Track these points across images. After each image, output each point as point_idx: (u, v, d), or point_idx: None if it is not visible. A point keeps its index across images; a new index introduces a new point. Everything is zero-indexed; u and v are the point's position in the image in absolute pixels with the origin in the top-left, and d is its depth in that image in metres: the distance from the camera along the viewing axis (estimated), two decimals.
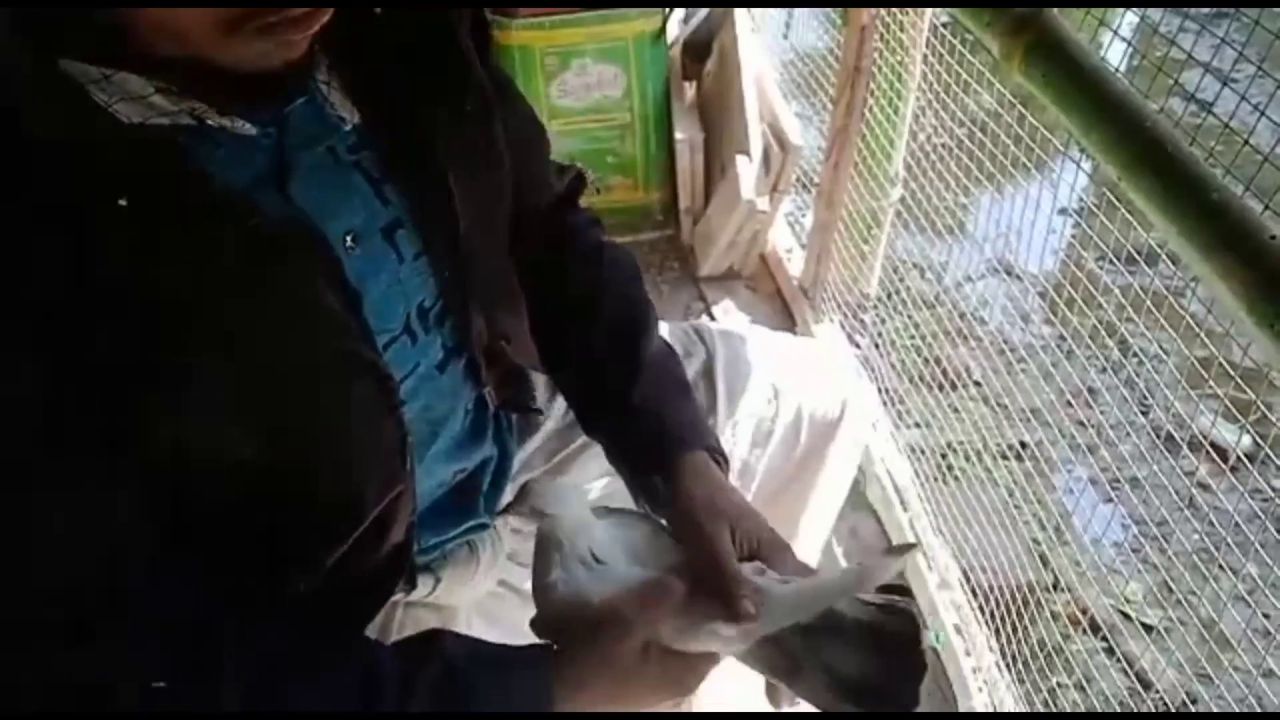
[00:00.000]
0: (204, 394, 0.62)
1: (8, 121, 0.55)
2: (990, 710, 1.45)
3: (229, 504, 0.67)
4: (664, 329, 1.08)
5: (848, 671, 0.75)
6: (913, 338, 2.10)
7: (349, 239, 0.71)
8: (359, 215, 0.72)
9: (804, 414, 1.09)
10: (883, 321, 2.11)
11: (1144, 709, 1.39)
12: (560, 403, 1.03)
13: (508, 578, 1.02)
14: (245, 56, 0.60)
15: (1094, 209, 1.31)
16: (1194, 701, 1.41)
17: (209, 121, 0.62)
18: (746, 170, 2.19)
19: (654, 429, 0.88)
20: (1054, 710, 1.43)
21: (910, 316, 2.15)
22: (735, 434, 1.06)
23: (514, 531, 1.00)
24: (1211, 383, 1.20)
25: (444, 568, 0.93)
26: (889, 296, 2.07)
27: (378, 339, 0.73)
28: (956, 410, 1.99)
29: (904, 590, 0.77)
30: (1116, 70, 0.86)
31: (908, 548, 0.81)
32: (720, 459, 0.90)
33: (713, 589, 0.78)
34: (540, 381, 1.01)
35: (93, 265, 0.57)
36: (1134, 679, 1.53)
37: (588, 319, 0.94)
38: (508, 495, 0.97)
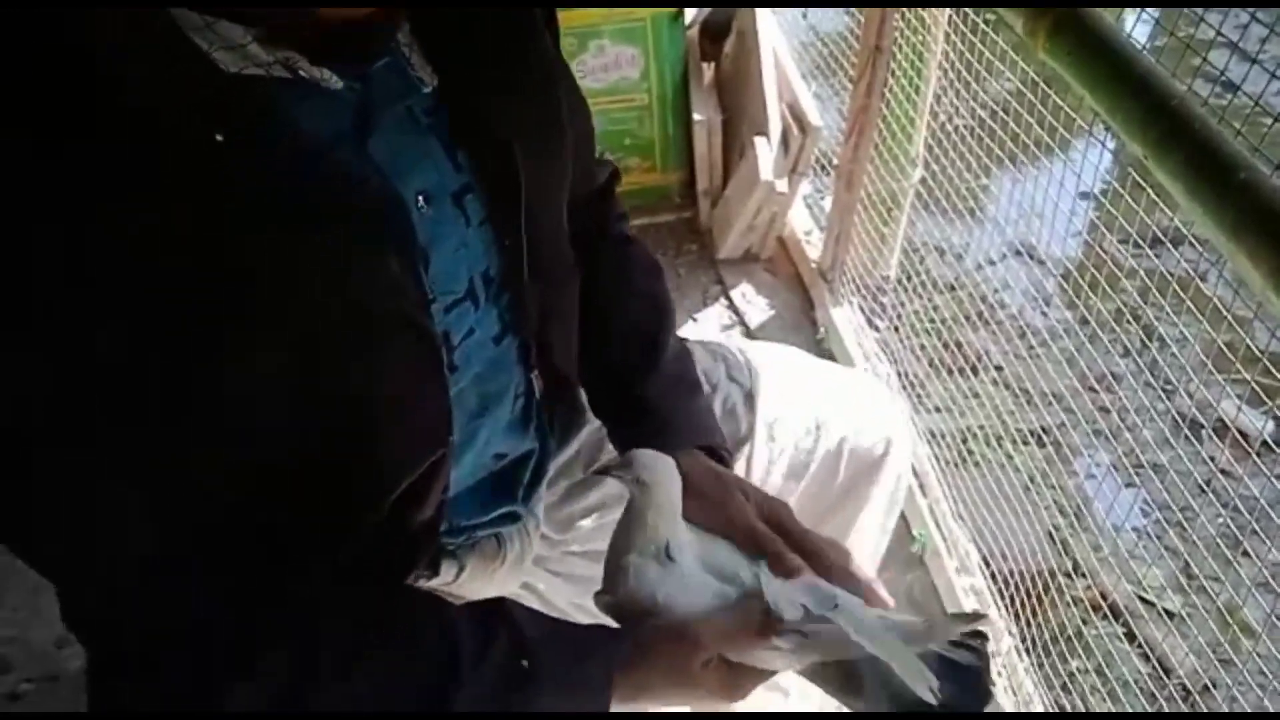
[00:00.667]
0: (261, 340, 0.63)
1: (109, 66, 0.55)
2: (1007, 693, 1.44)
3: (270, 462, 0.67)
4: (709, 348, 1.08)
5: (909, 695, 0.72)
6: (932, 321, 2.08)
7: (421, 199, 0.72)
8: (432, 177, 0.73)
9: (845, 449, 1.07)
10: (902, 305, 2.10)
11: (1164, 695, 1.38)
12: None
13: (531, 581, 1.01)
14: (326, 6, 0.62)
15: (1118, 190, 1.29)
16: (1215, 687, 1.40)
17: (301, 72, 0.63)
18: (765, 151, 2.18)
19: (659, 424, 0.91)
20: (1072, 697, 1.43)
21: (930, 300, 2.13)
22: (772, 464, 1.04)
23: (544, 538, 1.00)
24: (1238, 366, 1.18)
25: (469, 557, 0.93)
26: (908, 279, 2.05)
27: (441, 300, 0.74)
28: (976, 395, 1.98)
29: (978, 632, 0.77)
30: (1142, 49, 0.84)
31: (977, 617, 0.80)
32: (725, 454, 0.92)
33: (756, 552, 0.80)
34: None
35: (165, 212, 0.57)
36: (1154, 664, 1.52)
37: (613, 308, 0.97)
38: (543, 492, 0.98)
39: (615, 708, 0.74)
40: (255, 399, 0.63)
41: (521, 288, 0.81)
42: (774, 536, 0.81)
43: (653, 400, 0.92)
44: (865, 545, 1.14)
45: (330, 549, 0.73)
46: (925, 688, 0.70)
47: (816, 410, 1.06)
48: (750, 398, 1.05)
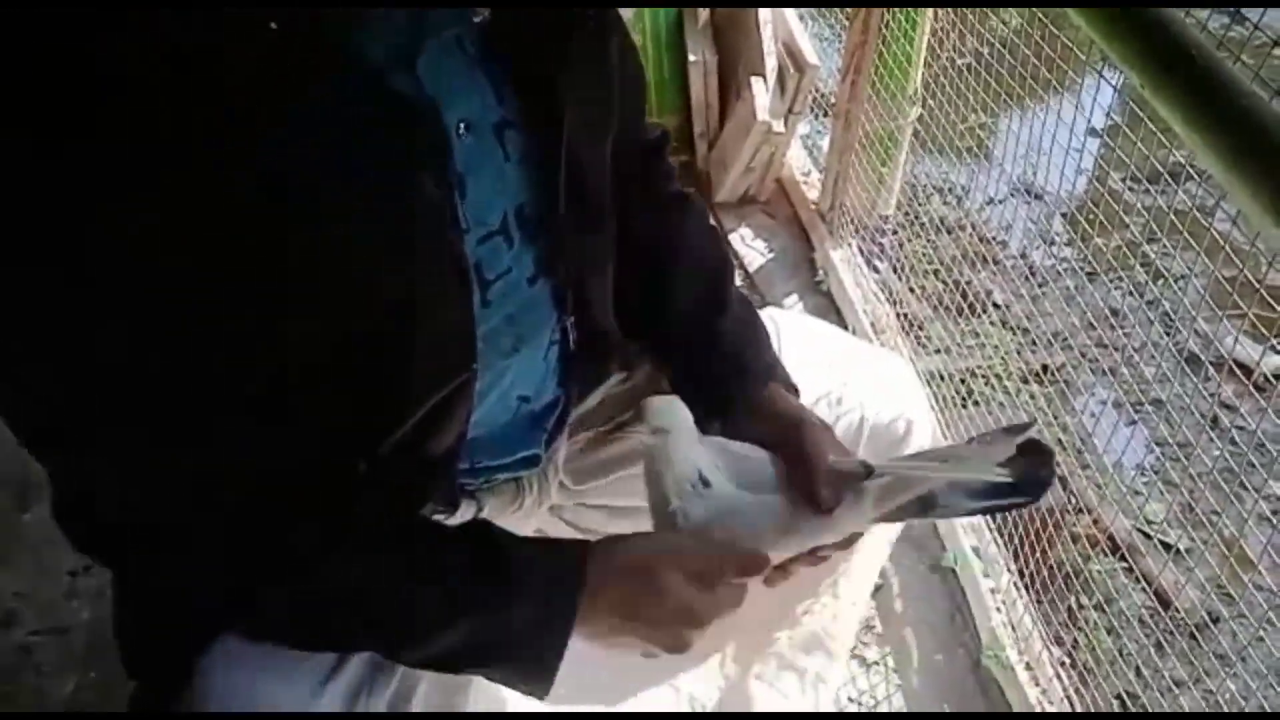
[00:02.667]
0: (294, 246, 0.64)
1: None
2: (1006, 628, 1.45)
3: (300, 371, 0.68)
4: None
5: (982, 484, 0.78)
6: (932, 262, 2.07)
7: (462, 126, 0.72)
8: (475, 106, 0.73)
9: (865, 427, 1.04)
10: (901, 246, 2.08)
11: (1163, 627, 1.39)
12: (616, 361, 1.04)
13: (544, 528, 1.02)
14: None
15: (1120, 127, 1.27)
16: (1215, 621, 1.41)
17: None
18: (761, 92, 2.15)
19: (735, 365, 0.92)
20: (1072, 632, 1.44)
21: (930, 240, 2.11)
22: None
23: (561, 487, 1.00)
24: (1238, 299, 1.17)
25: (487, 498, 0.94)
26: (910, 222, 2.03)
27: (474, 231, 0.75)
28: (978, 335, 1.97)
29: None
30: None
31: (1025, 427, 0.81)
32: (796, 392, 0.94)
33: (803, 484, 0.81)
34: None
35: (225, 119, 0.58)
36: (1152, 597, 1.54)
37: (676, 259, 0.97)
38: (564, 441, 0.98)
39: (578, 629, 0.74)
40: (287, 306, 0.65)
41: (557, 230, 0.81)
42: (822, 476, 0.82)
43: (727, 340, 0.93)
44: (878, 538, 1.13)
45: (352, 469, 0.74)
46: (993, 470, 0.77)
47: (838, 382, 1.04)
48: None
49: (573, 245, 0.83)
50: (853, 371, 1.06)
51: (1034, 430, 0.80)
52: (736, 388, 0.91)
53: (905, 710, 1.45)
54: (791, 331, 1.07)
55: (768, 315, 1.08)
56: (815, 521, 0.81)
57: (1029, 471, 0.78)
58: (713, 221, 1.05)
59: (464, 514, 0.92)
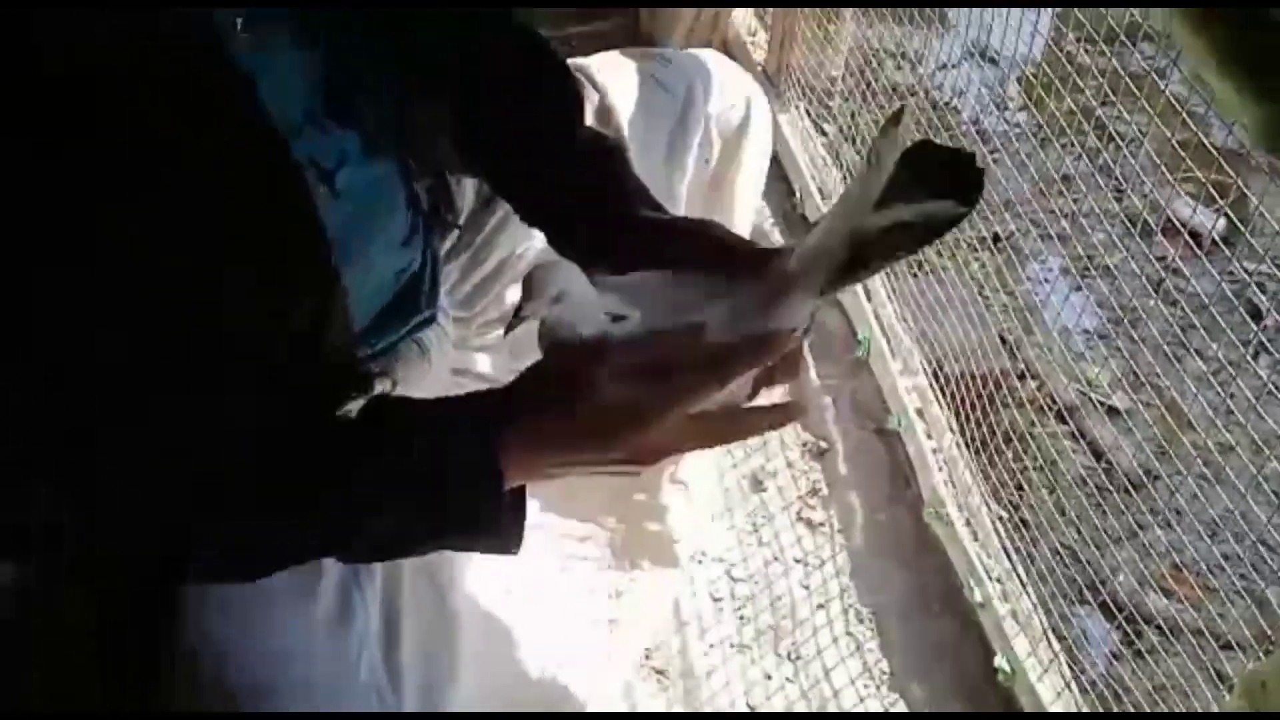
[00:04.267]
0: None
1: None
2: (948, 486, 1.48)
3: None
4: None
5: (907, 216, 0.60)
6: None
7: (239, 22, 0.66)
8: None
9: (713, 128, 1.13)
10: (853, 115, 2.04)
11: (1102, 487, 1.43)
12: (465, 196, 1.00)
13: (461, 365, 1.03)
14: None
15: None
16: (1155, 479, 1.45)
17: None
18: None
19: (597, 211, 0.81)
20: (1009, 490, 1.47)
21: (883, 106, 2.07)
22: (646, 163, 1.01)
23: (456, 320, 1.01)
24: (1190, 163, 1.16)
25: (397, 369, 0.93)
26: (864, 88, 1.98)
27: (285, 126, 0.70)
28: None
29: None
30: None
31: (898, 114, 0.63)
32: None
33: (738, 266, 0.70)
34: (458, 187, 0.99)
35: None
36: (1090, 456, 1.58)
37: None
38: (442, 290, 0.97)
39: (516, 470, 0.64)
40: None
41: (367, 99, 0.78)
42: (751, 248, 0.74)
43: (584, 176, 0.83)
44: (746, 199, 1.24)
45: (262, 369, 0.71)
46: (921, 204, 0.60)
47: (676, 100, 1.09)
48: (606, 113, 1.06)
49: (404, 112, 0.82)
50: (686, 84, 1.11)
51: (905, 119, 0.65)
52: (605, 245, 0.78)
53: (851, 567, 1.49)
54: (615, 76, 1.08)
55: (575, 69, 1.00)
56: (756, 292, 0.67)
57: (947, 180, 0.60)
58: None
59: (380, 391, 0.89)
